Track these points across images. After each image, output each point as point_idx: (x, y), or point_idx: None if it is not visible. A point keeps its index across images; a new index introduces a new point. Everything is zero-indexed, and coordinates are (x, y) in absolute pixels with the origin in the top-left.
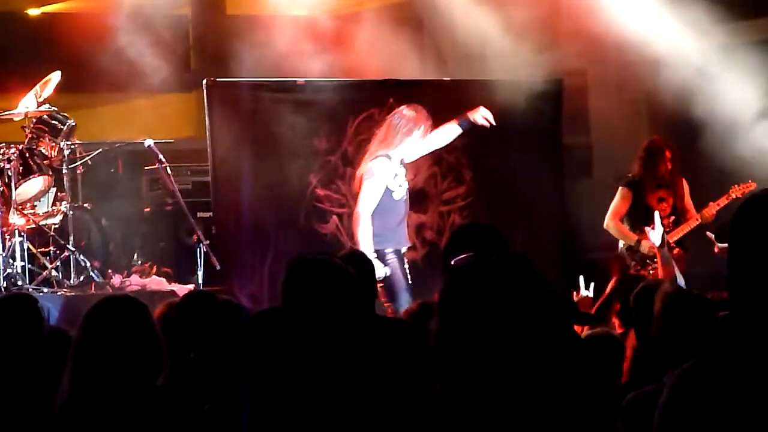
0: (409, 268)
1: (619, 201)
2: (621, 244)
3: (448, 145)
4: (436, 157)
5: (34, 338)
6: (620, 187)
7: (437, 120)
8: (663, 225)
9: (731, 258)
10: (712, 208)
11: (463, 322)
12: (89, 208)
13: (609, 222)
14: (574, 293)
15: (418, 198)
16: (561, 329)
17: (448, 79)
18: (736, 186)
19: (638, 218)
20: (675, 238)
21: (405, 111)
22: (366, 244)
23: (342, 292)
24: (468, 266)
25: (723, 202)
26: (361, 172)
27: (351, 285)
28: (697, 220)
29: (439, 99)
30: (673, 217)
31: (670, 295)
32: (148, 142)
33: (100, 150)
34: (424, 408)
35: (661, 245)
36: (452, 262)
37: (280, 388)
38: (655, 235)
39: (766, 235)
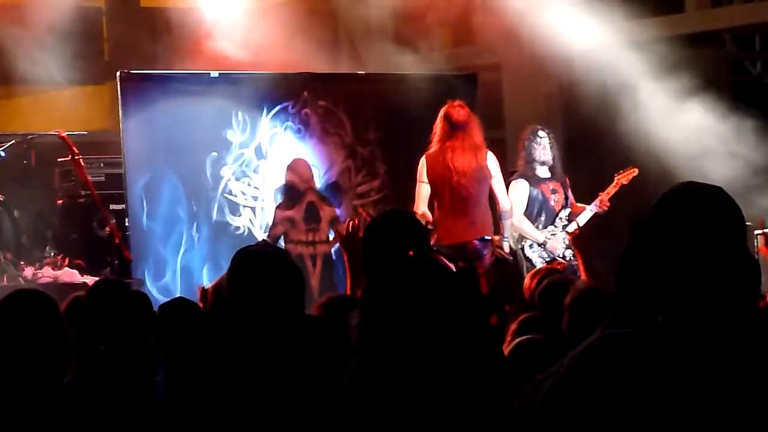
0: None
1: (519, 194)
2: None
3: (362, 138)
4: (351, 150)
5: None
6: (515, 181)
7: (352, 113)
8: (561, 218)
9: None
10: (604, 197)
11: (385, 318)
12: (1, 199)
13: (518, 218)
14: None
15: (332, 191)
16: (477, 325)
17: (363, 72)
18: (620, 173)
19: (533, 210)
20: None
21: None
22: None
23: (292, 287)
24: (393, 262)
25: (612, 190)
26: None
27: (300, 280)
28: (592, 211)
29: (354, 92)
30: (568, 210)
31: (581, 293)
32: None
33: (13, 142)
34: (334, 403)
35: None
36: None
37: (200, 379)
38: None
39: (683, 225)
